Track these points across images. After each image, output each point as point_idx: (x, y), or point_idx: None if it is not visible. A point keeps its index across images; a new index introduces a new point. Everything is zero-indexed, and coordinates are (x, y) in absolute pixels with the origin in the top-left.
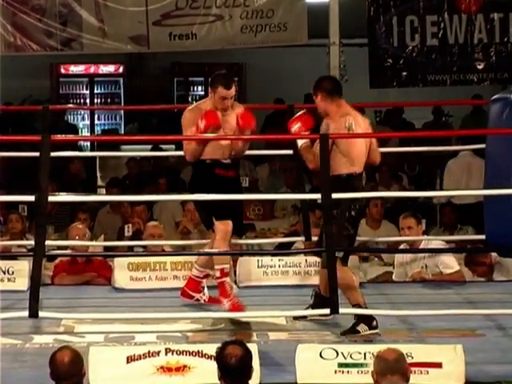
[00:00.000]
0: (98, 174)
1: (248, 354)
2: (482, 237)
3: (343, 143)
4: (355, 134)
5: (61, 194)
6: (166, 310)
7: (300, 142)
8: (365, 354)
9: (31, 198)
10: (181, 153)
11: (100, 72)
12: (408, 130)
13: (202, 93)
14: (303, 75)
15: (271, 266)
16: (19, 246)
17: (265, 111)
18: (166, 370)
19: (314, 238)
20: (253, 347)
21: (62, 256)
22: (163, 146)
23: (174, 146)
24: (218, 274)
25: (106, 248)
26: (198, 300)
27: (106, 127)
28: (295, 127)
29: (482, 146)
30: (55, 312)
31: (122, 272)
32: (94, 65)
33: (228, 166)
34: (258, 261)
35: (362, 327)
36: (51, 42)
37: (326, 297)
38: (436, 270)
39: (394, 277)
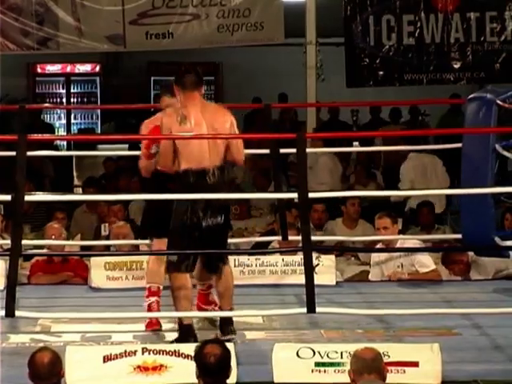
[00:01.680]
0: (75, 174)
1: (227, 353)
2: (459, 236)
3: (176, 141)
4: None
5: (37, 193)
6: (143, 309)
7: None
8: (341, 353)
9: (7, 198)
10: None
11: (76, 71)
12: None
13: None
14: (280, 74)
15: (248, 266)
16: None
17: (242, 110)
18: (143, 369)
19: (291, 238)
20: (230, 346)
21: (38, 255)
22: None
23: None
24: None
25: (83, 247)
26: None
27: (83, 126)
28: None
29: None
30: (32, 311)
31: (99, 271)
32: (71, 64)
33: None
34: (234, 260)
35: None
36: (28, 41)
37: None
38: (412, 269)
39: (370, 276)
